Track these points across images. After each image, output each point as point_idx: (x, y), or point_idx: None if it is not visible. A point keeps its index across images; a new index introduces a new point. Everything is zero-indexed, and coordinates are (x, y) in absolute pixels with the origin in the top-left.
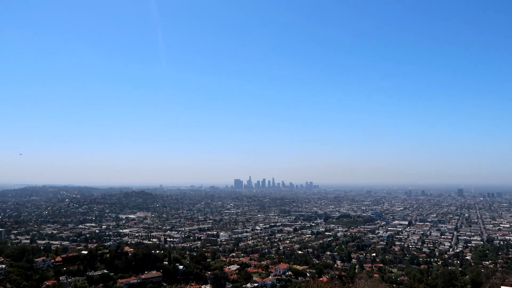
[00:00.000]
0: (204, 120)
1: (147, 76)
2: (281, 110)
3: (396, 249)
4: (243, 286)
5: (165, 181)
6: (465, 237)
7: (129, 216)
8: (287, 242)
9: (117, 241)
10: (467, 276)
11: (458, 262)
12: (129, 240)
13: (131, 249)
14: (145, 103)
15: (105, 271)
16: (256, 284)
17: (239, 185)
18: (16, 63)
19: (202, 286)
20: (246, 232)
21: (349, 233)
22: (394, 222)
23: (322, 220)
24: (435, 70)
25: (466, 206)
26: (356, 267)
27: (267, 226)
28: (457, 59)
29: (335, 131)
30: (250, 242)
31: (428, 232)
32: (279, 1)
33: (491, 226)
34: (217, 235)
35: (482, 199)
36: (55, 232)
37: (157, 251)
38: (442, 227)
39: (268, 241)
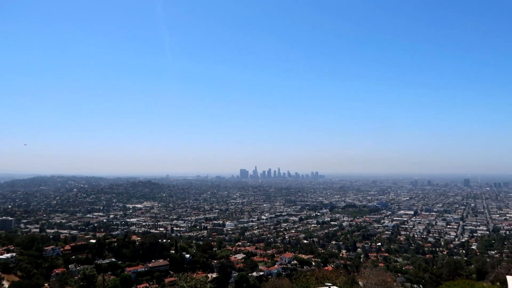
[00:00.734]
0: (210, 110)
1: (153, 66)
2: (287, 100)
3: (401, 238)
4: (249, 274)
5: (171, 171)
6: (471, 227)
7: (136, 205)
8: (293, 231)
9: (125, 230)
10: (473, 266)
11: (464, 251)
12: (136, 229)
13: (139, 238)
14: (152, 93)
15: (113, 259)
16: (262, 273)
17: (245, 175)
18: (21, 53)
19: (208, 275)
20: (252, 221)
21: (354, 223)
22: (399, 212)
23: (328, 209)
24: (440, 60)
25: (472, 196)
26: (361, 256)
27: (273, 215)
28: (461, 50)
29: (341, 122)
30: (256, 231)
31: (434, 222)
32: None
33: (497, 216)
34: (223, 225)
35: (488, 189)
36: (63, 221)
37: (164, 240)
38: (447, 217)
39: (274, 230)
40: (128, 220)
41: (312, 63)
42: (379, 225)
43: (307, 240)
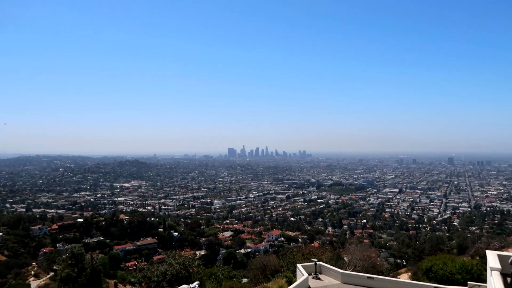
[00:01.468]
0: (197, 89)
1: (138, 45)
2: (275, 78)
3: (386, 215)
4: (237, 251)
5: (159, 150)
6: (453, 204)
7: (124, 184)
8: (280, 209)
9: (112, 209)
10: (454, 241)
11: (446, 227)
12: (124, 208)
13: (127, 217)
14: (138, 72)
15: (101, 238)
16: (249, 250)
17: (232, 154)
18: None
19: (197, 252)
20: (240, 200)
21: (340, 201)
22: (385, 190)
23: (315, 188)
24: (423, 38)
25: (455, 174)
26: (347, 233)
27: (260, 194)
28: (444, 26)
29: (328, 100)
30: (244, 209)
31: (418, 199)
32: None
33: (479, 193)
34: (211, 203)
35: (471, 167)
36: (50, 200)
37: (152, 219)
38: (431, 194)
39: (261, 208)
40: (116, 199)
41: (297, 41)
42: (364, 203)
43: (294, 217)
